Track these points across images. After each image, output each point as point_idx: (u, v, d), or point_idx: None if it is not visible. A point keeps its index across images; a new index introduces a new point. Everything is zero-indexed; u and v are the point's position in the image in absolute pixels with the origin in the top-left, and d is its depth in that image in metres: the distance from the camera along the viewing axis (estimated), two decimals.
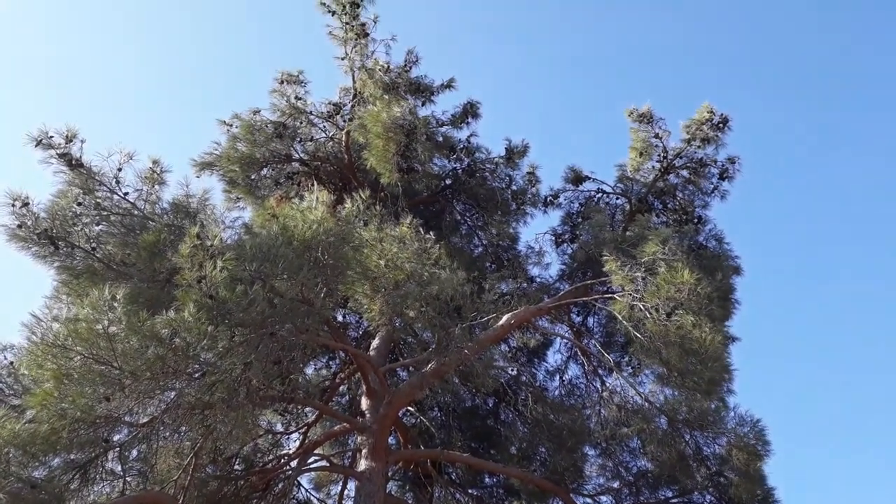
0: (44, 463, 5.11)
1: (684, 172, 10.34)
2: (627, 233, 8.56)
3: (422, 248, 6.72)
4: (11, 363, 5.86)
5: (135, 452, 6.40)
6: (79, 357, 4.60)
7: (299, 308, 6.12)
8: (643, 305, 6.80)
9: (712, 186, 10.30)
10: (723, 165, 10.19)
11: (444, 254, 6.81)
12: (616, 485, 8.62)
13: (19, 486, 4.71)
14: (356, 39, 9.65)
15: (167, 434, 6.19)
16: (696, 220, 10.13)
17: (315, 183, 9.24)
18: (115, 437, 5.78)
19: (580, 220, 10.70)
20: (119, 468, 6.12)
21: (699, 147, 9.93)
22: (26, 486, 4.73)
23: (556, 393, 10.22)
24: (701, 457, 8.16)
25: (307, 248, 5.97)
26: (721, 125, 9.71)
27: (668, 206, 10.48)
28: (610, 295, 7.60)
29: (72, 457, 5.43)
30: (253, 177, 9.99)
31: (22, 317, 4.87)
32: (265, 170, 10.16)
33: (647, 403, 8.31)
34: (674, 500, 8.59)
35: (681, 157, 10.08)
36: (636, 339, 7.02)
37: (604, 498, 8.66)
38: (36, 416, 4.76)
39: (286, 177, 10.12)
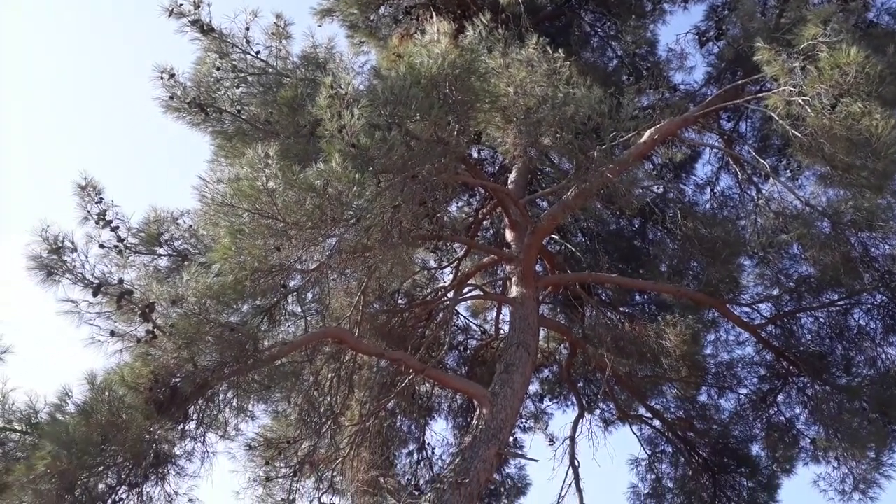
0: (236, 310, 5.73)
1: None
2: (782, 19, 7.59)
3: (551, 69, 6.40)
4: (191, 226, 6.50)
5: (310, 295, 7.07)
6: (246, 213, 4.99)
7: (435, 148, 6.18)
8: (802, 99, 6.17)
9: None
10: None
11: (575, 72, 6.47)
12: (776, 292, 8.39)
13: (220, 330, 5.36)
14: None
15: (335, 277, 6.74)
16: None
17: (433, 14, 8.90)
18: (291, 283, 6.38)
19: (726, 11, 9.58)
20: (299, 310, 6.81)
21: None
22: (226, 330, 5.36)
23: (707, 206, 9.83)
24: (869, 258, 7.68)
25: (435, 85, 5.89)
26: None
27: None
28: (764, 93, 6.95)
29: (257, 303, 6.06)
30: (372, 17, 9.78)
31: (190, 181, 5.33)
32: (382, 8, 9.90)
33: (807, 207, 7.79)
34: (840, 303, 8.29)
35: None
36: (795, 138, 6.44)
37: (763, 306, 8.51)
38: (221, 270, 5.32)
39: (404, 12, 9.77)
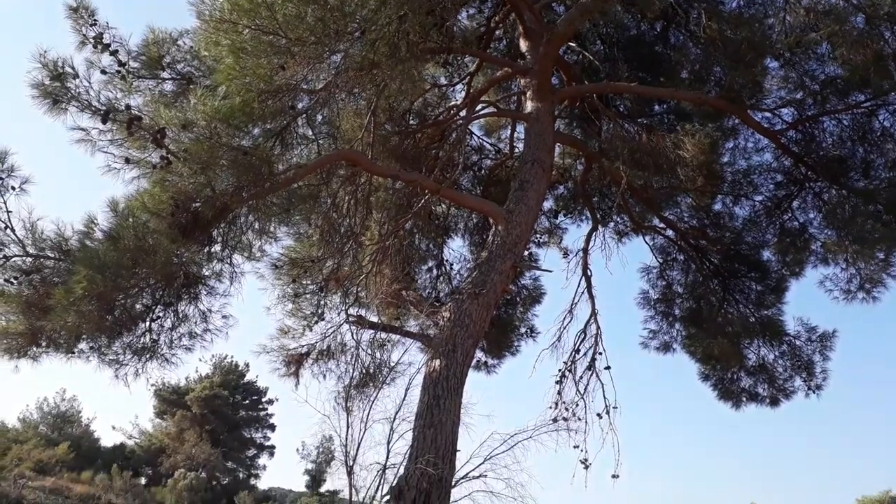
0: (247, 133, 5.68)
1: None
2: None
3: None
4: (192, 47, 6.24)
5: (319, 117, 6.96)
6: (247, 30, 4.76)
7: None
8: None
9: None
10: None
11: None
12: (799, 95, 8.09)
13: (234, 154, 5.34)
14: None
15: (343, 97, 6.57)
16: None
17: None
18: (300, 105, 6.26)
19: None
20: (310, 133, 6.75)
21: None
22: (240, 154, 5.34)
23: (734, 5, 9.18)
24: None
25: None
26: None
27: None
28: None
29: (268, 126, 5.99)
30: None
31: None
32: None
33: (841, 1, 7.30)
34: (865, 104, 8.02)
35: None
36: None
37: (784, 111, 8.25)
38: (227, 92, 5.19)
39: None
